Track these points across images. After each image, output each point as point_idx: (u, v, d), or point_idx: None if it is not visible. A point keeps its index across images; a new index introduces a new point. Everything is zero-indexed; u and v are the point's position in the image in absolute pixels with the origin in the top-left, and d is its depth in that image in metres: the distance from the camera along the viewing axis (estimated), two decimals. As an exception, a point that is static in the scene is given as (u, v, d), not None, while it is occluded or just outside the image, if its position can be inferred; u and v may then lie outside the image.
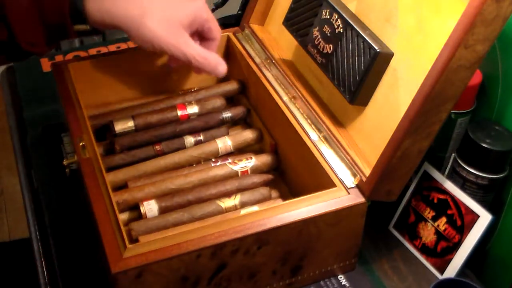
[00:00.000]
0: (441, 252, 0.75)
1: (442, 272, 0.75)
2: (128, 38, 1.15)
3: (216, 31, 0.83)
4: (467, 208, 0.73)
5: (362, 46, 0.71)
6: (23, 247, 1.77)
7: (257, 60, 0.89)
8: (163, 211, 0.73)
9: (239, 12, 1.08)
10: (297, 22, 0.82)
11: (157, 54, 0.86)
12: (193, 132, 0.84)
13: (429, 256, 0.77)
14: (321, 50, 0.77)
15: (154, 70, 0.89)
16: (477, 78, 0.76)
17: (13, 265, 1.76)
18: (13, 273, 1.73)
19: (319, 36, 0.77)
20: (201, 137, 0.84)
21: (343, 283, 0.75)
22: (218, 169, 0.79)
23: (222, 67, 0.81)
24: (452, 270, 0.74)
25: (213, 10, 1.15)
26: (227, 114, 0.87)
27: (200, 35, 0.83)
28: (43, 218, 0.83)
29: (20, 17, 0.73)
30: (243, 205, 0.75)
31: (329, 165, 0.72)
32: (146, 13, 0.75)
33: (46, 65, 1.10)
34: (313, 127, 0.77)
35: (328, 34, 0.75)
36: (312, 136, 0.76)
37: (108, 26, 0.76)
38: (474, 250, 0.72)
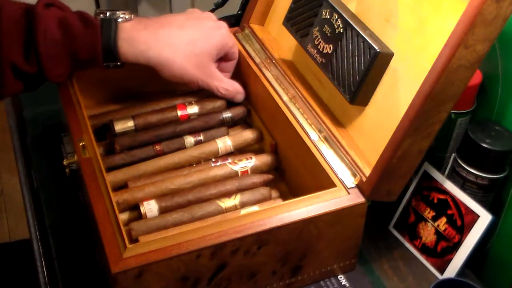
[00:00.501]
0: (441, 252, 0.75)
1: (442, 272, 0.75)
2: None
3: (237, 53, 0.88)
4: (467, 208, 0.73)
5: (362, 46, 0.71)
6: (23, 248, 1.78)
7: (257, 60, 0.89)
8: (163, 211, 0.73)
9: (239, 12, 1.08)
10: (297, 22, 0.82)
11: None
12: (193, 132, 0.84)
13: (429, 256, 0.77)
14: (321, 50, 0.77)
15: (154, 70, 0.89)
16: (477, 78, 0.76)
17: (13, 266, 1.76)
18: (13, 273, 1.73)
19: (319, 36, 0.77)
20: (201, 137, 0.84)
21: (343, 283, 0.75)
22: (218, 169, 0.79)
23: (240, 95, 0.88)
24: (452, 270, 0.74)
25: (213, 10, 1.15)
26: (227, 114, 0.87)
27: (222, 57, 0.87)
28: (43, 218, 0.83)
29: (51, 55, 0.75)
30: (243, 205, 0.75)
31: (329, 165, 0.72)
32: (176, 51, 0.80)
33: (46, 65, 1.10)
34: (313, 127, 0.77)
35: (328, 34, 0.75)
36: (312, 136, 0.76)
37: (140, 65, 0.79)
38: (474, 250, 0.72)
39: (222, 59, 0.87)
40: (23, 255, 1.77)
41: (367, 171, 0.70)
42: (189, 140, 0.83)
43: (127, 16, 0.79)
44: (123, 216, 0.74)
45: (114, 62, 0.78)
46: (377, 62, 0.70)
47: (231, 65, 0.89)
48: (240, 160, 0.81)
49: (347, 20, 0.73)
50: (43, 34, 0.74)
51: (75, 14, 0.77)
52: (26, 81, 0.77)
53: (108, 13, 0.78)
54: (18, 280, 1.68)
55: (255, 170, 0.81)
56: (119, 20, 0.78)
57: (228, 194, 0.76)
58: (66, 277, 0.75)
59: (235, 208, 0.75)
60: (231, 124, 0.88)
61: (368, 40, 0.70)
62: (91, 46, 0.76)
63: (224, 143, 0.83)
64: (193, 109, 0.86)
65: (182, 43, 0.80)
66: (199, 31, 0.82)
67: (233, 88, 0.87)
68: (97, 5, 2.06)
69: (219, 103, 0.88)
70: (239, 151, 0.85)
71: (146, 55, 0.78)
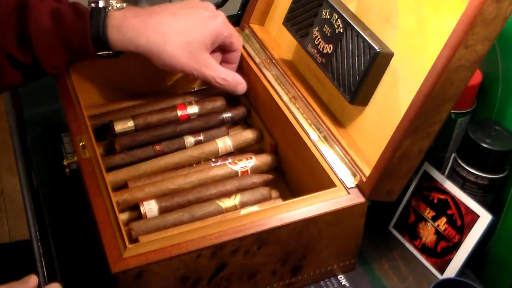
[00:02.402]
0: (441, 252, 0.75)
1: (442, 272, 0.75)
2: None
3: (238, 44, 0.87)
4: (467, 208, 0.73)
5: (362, 46, 0.71)
6: (23, 248, 1.78)
7: (257, 60, 0.89)
8: (163, 211, 0.73)
9: (239, 12, 1.08)
10: (297, 22, 0.82)
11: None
12: (193, 132, 0.84)
13: (429, 256, 0.77)
14: (321, 50, 0.77)
15: (154, 70, 0.89)
16: (477, 78, 0.76)
17: (13, 266, 1.76)
18: (13, 273, 1.73)
19: (319, 36, 0.77)
20: (201, 137, 0.84)
21: (343, 283, 0.75)
22: (218, 169, 0.79)
23: (241, 87, 0.86)
24: (452, 270, 0.74)
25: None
26: (227, 114, 0.87)
27: (222, 48, 0.86)
28: (43, 218, 0.83)
29: (44, 44, 0.76)
30: (243, 205, 0.75)
31: (329, 165, 0.72)
32: (167, 39, 0.78)
33: (46, 65, 1.10)
34: (313, 127, 0.77)
35: (328, 34, 0.75)
36: (312, 136, 0.76)
37: (131, 52, 0.79)
38: (474, 250, 0.72)
39: (225, 51, 0.86)
40: (23, 255, 1.76)
41: (367, 171, 0.70)
42: (189, 140, 0.83)
43: (118, 5, 0.78)
44: (123, 216, 0.74)
45: (105, 51, 0.78)
46: (377, 62, 0.70)
47: (234, 56, 0.87)
48: (240, 160, 0.81)
49: (347, 20, 0.73)
50: (35, 23, 0.74)
51: (68, 4, 0.77)
52: (24, 72, 0.77)
53: (100, 2, 0.78)
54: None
55: (255, 170, 0.81)
56: (110, 8, 0.77)
57: (228, 194, 0.76)
58: (66, 277, 0.75)
59: (235, 208, 0.75)
60: (231, 124, 0.88)
61: (368, 40, 0.70)
62: (81, 34, 0.76)
63: (224, 143, 0.83)
64: (193, 109, 0.86)
65: (173, 30, 0.79)
66: (192, 20, 0.81)
67: (232, 79, 0.85)
68: None
69: (219, 103, 0.87)
70: (239, 151, 0.85)
71: (135, 42, 0.77)
